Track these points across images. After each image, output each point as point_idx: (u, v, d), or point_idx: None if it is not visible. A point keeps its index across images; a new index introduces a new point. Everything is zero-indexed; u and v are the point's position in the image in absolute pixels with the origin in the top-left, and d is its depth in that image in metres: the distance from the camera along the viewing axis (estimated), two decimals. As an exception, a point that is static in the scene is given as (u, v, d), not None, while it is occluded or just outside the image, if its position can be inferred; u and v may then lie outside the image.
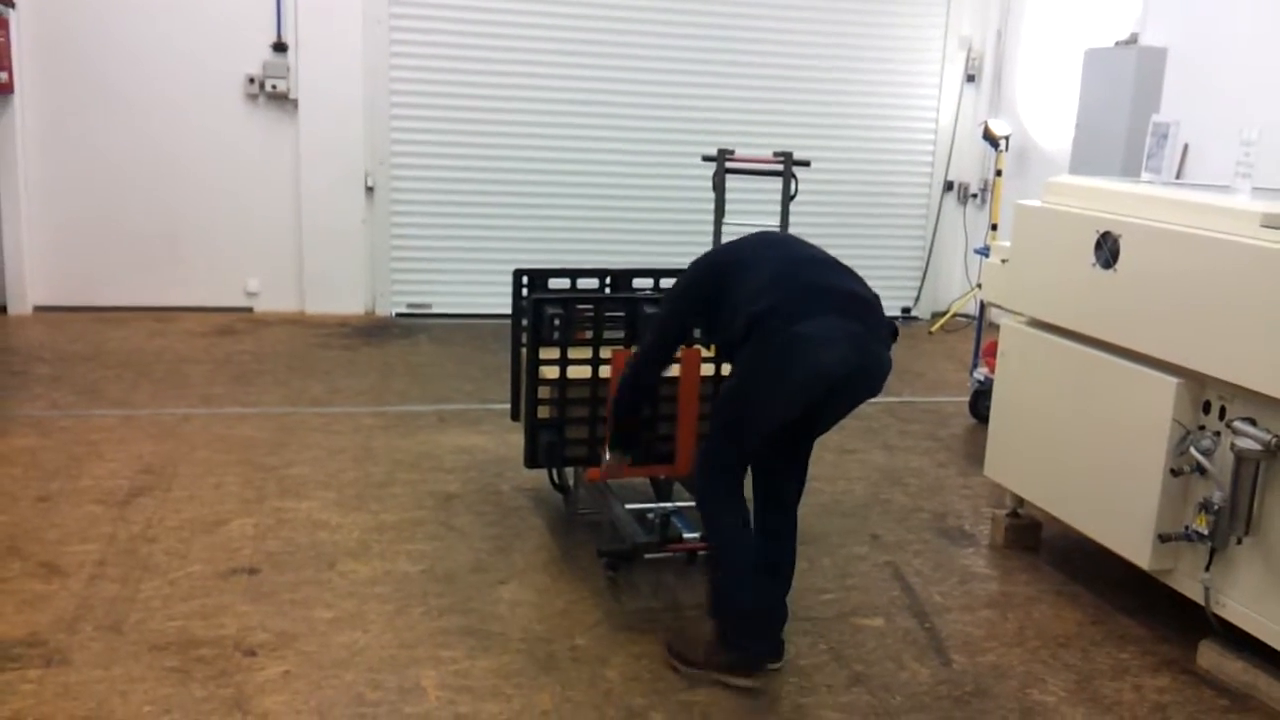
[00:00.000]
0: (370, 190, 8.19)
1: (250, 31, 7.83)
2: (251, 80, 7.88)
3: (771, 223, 6.54)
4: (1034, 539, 4.50)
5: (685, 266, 3.78)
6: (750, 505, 3.54)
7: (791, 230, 6.60)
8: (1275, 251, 3.16)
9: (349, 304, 8.30)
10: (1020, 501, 4.47)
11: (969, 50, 9.13)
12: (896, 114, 9.12)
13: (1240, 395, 3.35)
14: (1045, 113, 8.55)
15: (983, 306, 6.63)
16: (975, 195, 9.34)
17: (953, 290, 9.42)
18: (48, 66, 7.57)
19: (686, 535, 3.85)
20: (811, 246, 3.48)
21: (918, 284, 9.44)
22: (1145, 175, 4.35)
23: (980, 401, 6.06)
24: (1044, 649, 3.65)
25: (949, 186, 9.34)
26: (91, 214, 7.82)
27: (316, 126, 8.00)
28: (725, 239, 6.26)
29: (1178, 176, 6.83)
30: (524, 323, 4.26)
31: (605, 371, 3.99)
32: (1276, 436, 3.21)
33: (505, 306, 5.02)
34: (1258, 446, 3.23)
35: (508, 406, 4.92)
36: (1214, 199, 3.54)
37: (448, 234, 8.41)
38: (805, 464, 3.54)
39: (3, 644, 3.30)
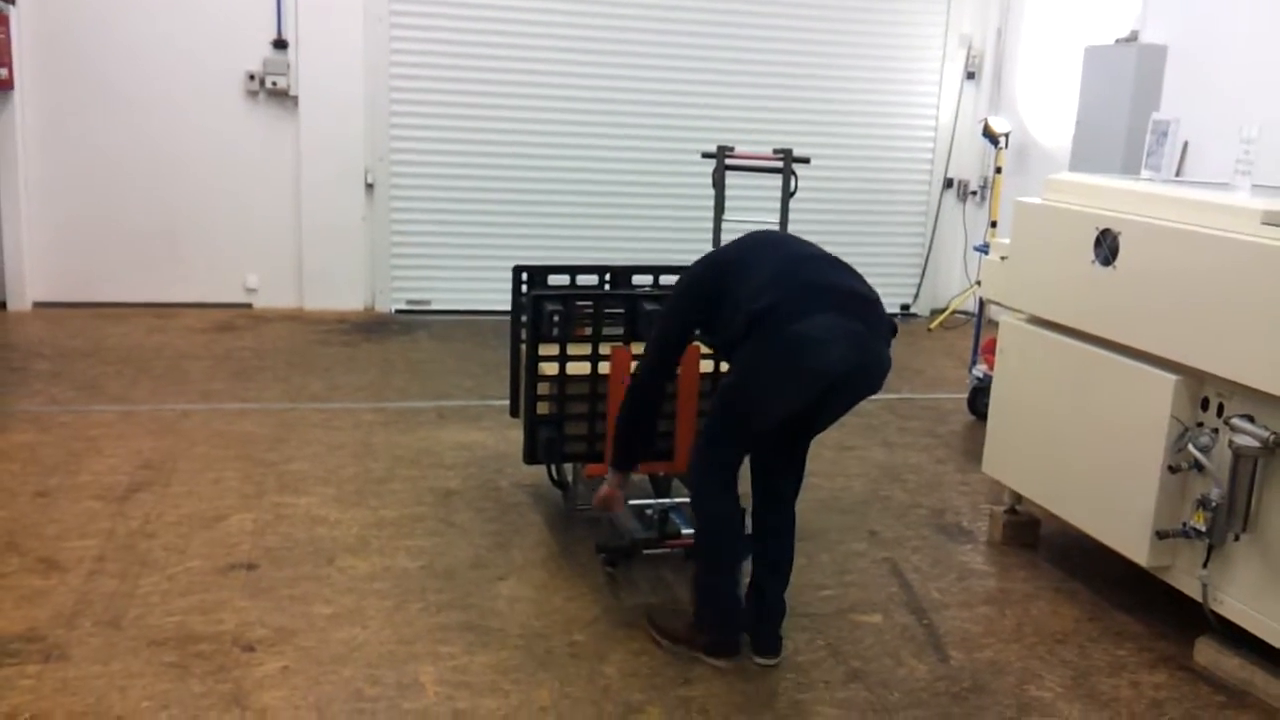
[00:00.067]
0: (370, 187, 8.19)
1: (250, 28, 7.82)
2: (252, 77, 7.88)
3: (771, 219, 6.55)
4: (1032, 536, 4.50)
5: (684, 263, 3.80)
6: (748, 502, 3.56)
7: (791, 227, 6.62)
8: (1275, 249, 3.17)
9: (349, 300, 8.30)
10: (1018, 498, 4.47)
11: (969, 47, 9.13)
12: (896, 111, 9.12)
13: (1238, 392, 3.35)
14: (1045, 110, 8.55)
15: (982, 303, 6.63)
16: (975, 192, 9.34)
17: (952, 287, 9.42)
18: (48, 63, 7.57)
19: (685, 531, 3.86)
20: (811, 245, 3.48)
21: (917, 281, 9.44)
22: (1145, 173, 4.35)
23: (979, 398, 6.06)
24: (1041, 645, 3.65)
25: (949, 184, 9.34)
26: (91, 210, 7.82)
27: (316, 123, 8.00)
28: (725, 235, 6.31)
29: (1177, 174, 6.83)
30: (523, 319, 4.27)
31: (604, 368, 4.00)
32: (1274, 434, 3.21)
33: (505, 303, 5.03)
34: (1256, 444, 3.23)
35: (507, 403, 4.93)
36: (1214, 196, 3.54)
37: (447, 230, 8.41)
38: (803, 460, 3.55)
39: (1, 639, 3.30)
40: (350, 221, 8.20)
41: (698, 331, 3.53)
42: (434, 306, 8.46)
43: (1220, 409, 3.43)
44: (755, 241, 3.46)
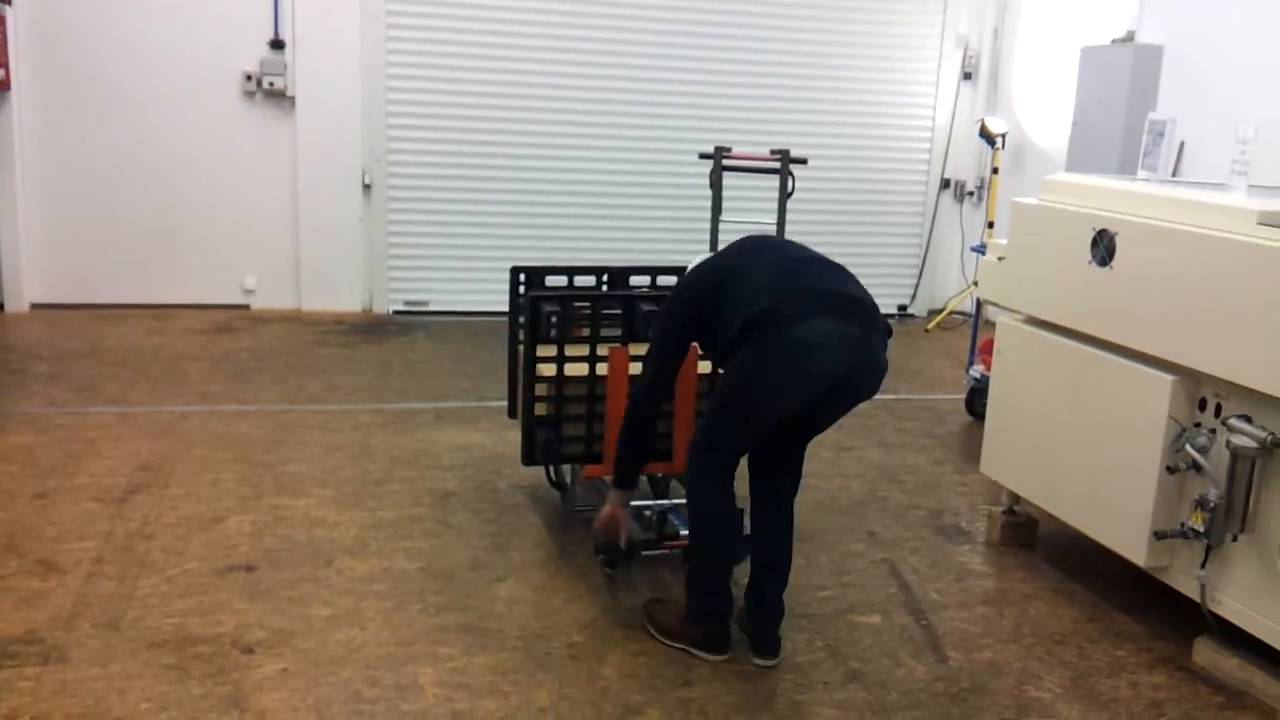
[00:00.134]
0: (367, 188, 8.19)
1: (247, 29, 7.82)
2: (249, 77, 7.87)
3: (769, 220, 6.57)
4: (1030, 536, 4.51)
5: (682, 264, 3.80)
6: (746, 502, 3.57)
7: (789, 228, 6.64)
8: (1271, 249, 3.17)
9: (346, 301, 8.30)
10: (1016, 499, 4.48)
11: (966, 48, 9.13)
12: (893, 112, 9.13)
13: (1236, 393, 3.36)
14: (1042, 110, 8.56)
15: (979, 304, 6.64)
16: (972, 193, 9.35)
17: (949, 288, 9.43)
18: (45, 63, 7.56)
19: (683, 532, 3.86)
20: (805, 248, 3.49)
21: (914, 282, 9.45)
22: (1141, 173, 4.36)
23: (976, 399, 6.07)
24: (1040, 646, 3.66)
25: (945, 184, 9.35)
26: (89, 211, 7.82)
27: (314, 124, 7.99)
28: (722, 236, 6.30)
29: (1174, 174, 6.84)
30: (521, 320, 4.27)
31: (602, 369, 4.00)
32: (1272, 434, 3.22)
33: (502, 304, 5.03)
34: (1253, 444, 3.24)
35: (505, 404, 4.92)
36: (1210, 196, 3.54)
37: (445, 231, 8.41)
38: (801, 461, 3.56)
39: (0, 641, 3.30)
40: (347, 222, 8.20)
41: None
42: (431, 307, 8.46)
43: (1218, 409, 3.44)
44: (749, 246, 3.47)
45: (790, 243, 3.59)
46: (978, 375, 6.09)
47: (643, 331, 4.06)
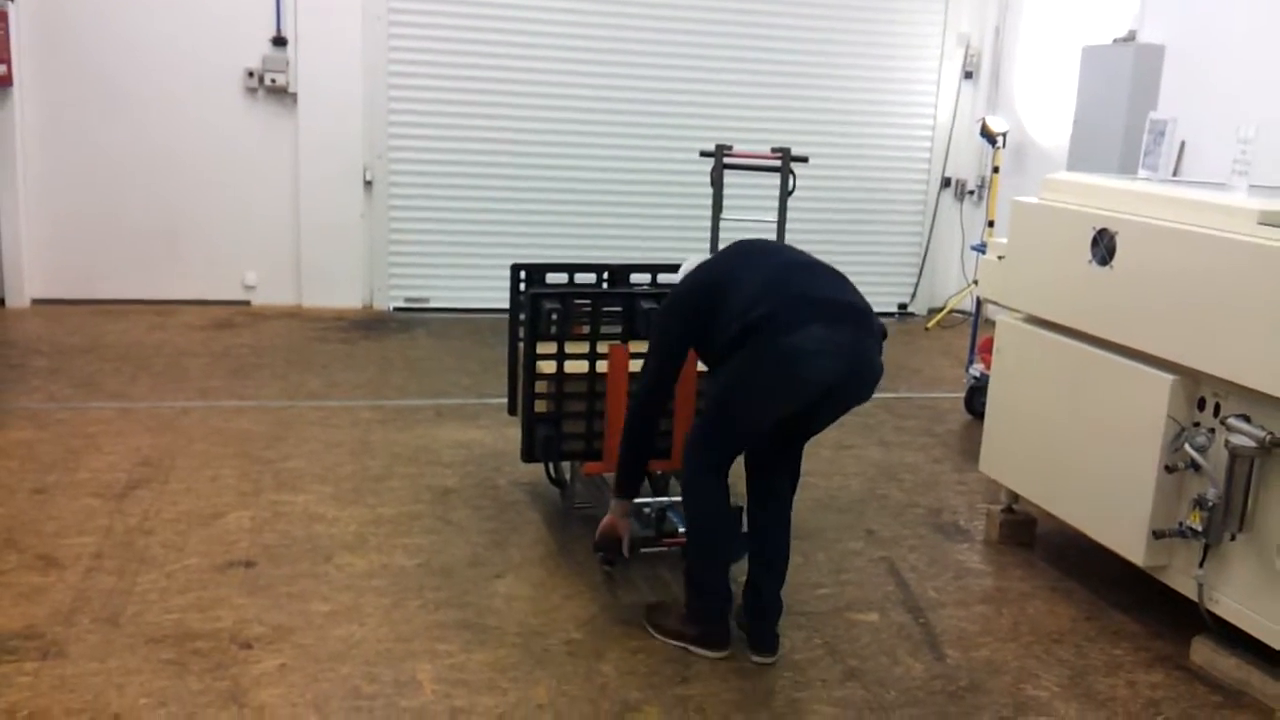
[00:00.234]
0: (368, 184, 8.19)
1: (249, 25, 7.82)
2: (250, 74, 7.87)
3: (769, 218, 6.56)
4: (1029, 535, 4.51)
5: (682, 262, 3.80)
6: (744, 500, 3.58)
7: (789, 226, 6.64)
8: (1271, 249, 3.17)
9: (347, 298, 8.30)
10: (1015, 497, 4.48)
11: (967, 47, 9.13)
12: (894, 110, 9.13)
13: (1235, 392, 3.36)
14: (1043, 110, 8.56)
15: (979, 303, 6.64)
16: (972, 192, 9.35)
17: (949, 286, 9.43)
18: (47, 59, 7.56)
19: (682, 530, 3.86)
20: (799, 251, 3.50)
21: (914, 280, 9.45)
22: (1142, 172, 4.36)
23: (976, 397, 6.07)
24: (1038, 644, 3.66)
25: (946, 183, 9.35)
26: (90, 207, 7.82)
27: (315, 121, 7.99)
28: (723, 234, 6.30)
29: (1174, 174, 6.84)
30: (521, 317, 4.27)
31: (602, 366, 4.00)
32: (1271, 434, 3.22)
33: (503, 301, 5.02)
34: (1252, 443, 3.24)
35: (505, 401, 4.93)
36: (1211, 196, 3.55)
37: (445, 228, 8.41)
38: (799, 460, 3.57)
39: (0, 636, 3.30)
40: (349, 219, 8.20)
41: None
42: (432, 304, 8.46)
43: (1217, 409, 3.44)
44: (743, 251, 3.48)
45: (785, 247, 3.60)
46: (977, 374, 6.10)
47: (643, 329, 4.06)
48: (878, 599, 3.93)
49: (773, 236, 6.34)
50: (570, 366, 4.02)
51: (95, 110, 7.70)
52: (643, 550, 3.91)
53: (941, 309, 9.18)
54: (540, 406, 4.09)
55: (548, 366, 4.04)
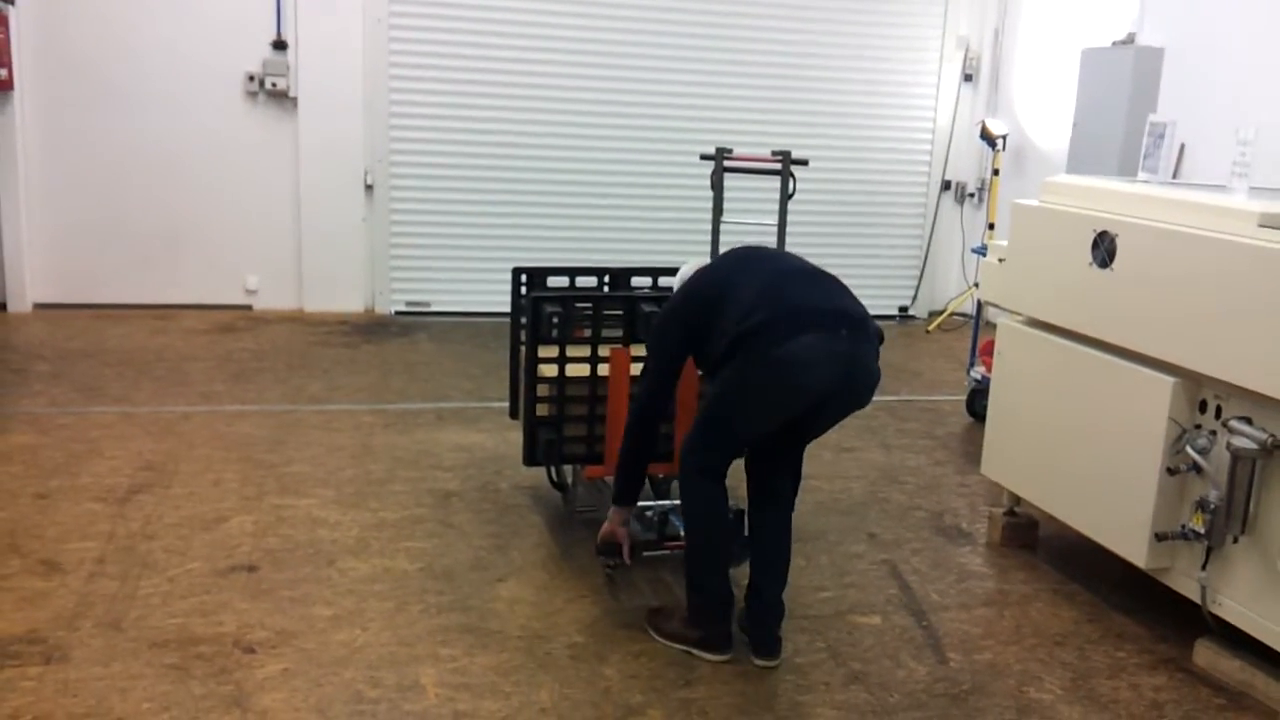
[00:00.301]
0: (369, 188, 8.20)
1: (250, 29, 7.83)
2: (251, 78, 7.88)
3: (770, 221, 6.56)
4: (1031, 537, 4.51)
5: (681, 265, 3.81)
6: (746, 504, 3.58)
7: (790, 229, 6.64)
8: (1272, 251, 3.18)
9: (348, 302, 8.31)
10: (1017, 500, 4.48)
11: (966, 50, 9.14)
12: (894, 113, 9.13)
13: (1236, 394, 3.36)
14: (1042, 112, 8.57)
15: (980, 306, 6.65)
16: (972, 194, 9.36)
17: (950, 289, 9.44)
18: (47, 63, 7.57)
19: (684, 533, 3.86)
20: (794, 257, 3.51)
21: (915, 283, 9.45)
22: (1142, 175, 4.36)
23: (977, 400, 6.07)
24: (1041, 647, 3.66)
25: (946, 186, 9.36)
26: (91, 211, 7.83)
27: (316, 124, 8.00)
28: (724, 237, 6.31)
29: (1174, 176, 6.84)
30: (523, 321, 4.27)
31: (604, 370, 4.01)
32: (1272, 435, 3.22)
33: (504, 305, 5.04)
34: (1254, 445, 3.24)
35: (506, 404, 4.93)
36: (1211, 198, 3.55)
37: (447, 232, 8.42)
38: (799, 463, 3.58)
39: (2, 641, 3.30)
40: (350, 223, 8.20)
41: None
42: (433, 308, 8.47)
43: (1218, 411, 3.44)
44: (738, 260, 3.50)
45: (781, 253, 3.61)
46: (978, 377, 6.10)
47: (644, 332, 4.07)
48: (880, 602, 3.93)
49: (773, 240, 6.34)
50: (571, 370, 4.02)
51: (96, 114, 7.71)
52: (645, 554, 3.91)
53: (942, 312, 9.19)
54: (542, 410, 4.09)
55: (549, 370, 4.04)
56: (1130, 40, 7.39)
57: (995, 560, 4.38)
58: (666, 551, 3.95)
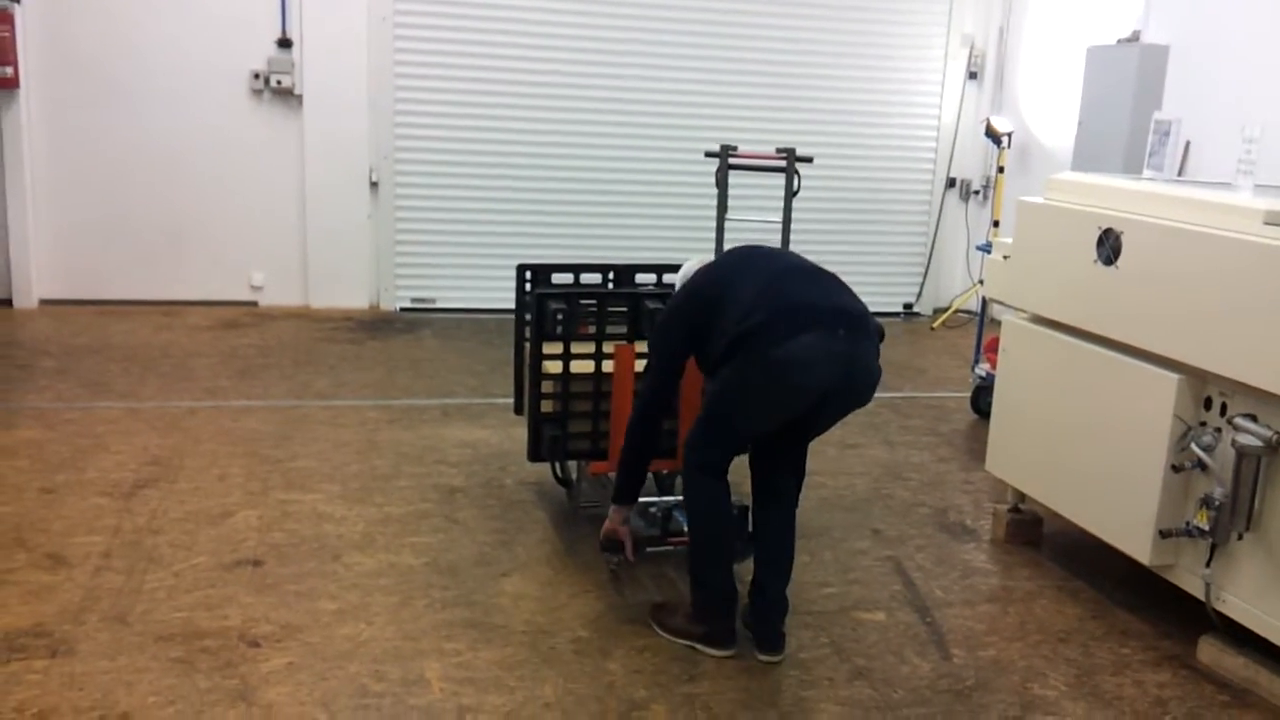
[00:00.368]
0: (374, 185, 8.21)
1: (255, 27, 7.84)
2: (256, 75, 7.89)
3: (774, 219, 6.56)
4: (1035, 534, 4.51)
5: (686, 261, 3.82)
6: (750, 500, 3.59)
7: (794, 227, 6.63)
8: (1277, 248, 3.17)
9: (353, 298, 8.32)
10: (1021, 497, 4.48)
11: (971, 47, 9.13)
12: (899, 111, 9.13)
13: (1241, 391, 3.36)
14: (1047, 110, 8.56)
15: (984, 303, 6.64)
16: (977, 192, 9.35)
17: (955, 286, 9.43)
18: (53, 61, 7.58)
19: (687, 529, 3.87)
20: (794, 256, 3.51)
21: (920, 280, 9.45)
22: (1147, 172, 4.37)
23: (982, 397, 6.07)
24: (1045, 644, 3.66)
25: (951, 183, 9.35)
26: (97, 208, 7.84)
27: (321, 122, 8.01)
28: (728, 235, 6.31)
29: (1179, 173, 6.84)
30: (527, 317, 4.28)
31: (608, 366, 4.01)
32: (1277, 433, 3.22)
33: (509, 301, 5.03)
34: (1259, 443, 3.24)
35: (511, 401, 4.94)
36: (1216, 196, 3.55)
37: (451, 229, 8.43)
38: (803, 459, 3.59)
39: (9, 635, 3.32)
40: (355, 220, 8.21)
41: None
42: (438, 305, 8.48)
43: (1223, 408, 3.44)
44: (740, 258, 3.51)
45: (782, 252, 3.61)
46: (983, 374, 6.10)
47: (648, 329, 4.07)
48: (884, 598, 3.94)
49: (778, 237, 6.34)
50: (576, 366, 4.03)
51: (102, 112, 7.73)
52: (649, 550, 3.92)
53: (947, 309, 9.18)
54: (546, 406, 4.10)
55: (554, 366, 4.05)
56: (1135, 38, 7.38)
57: (999, 557, 4.38)
58: (670, 547, 3.96)
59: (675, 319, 3.48)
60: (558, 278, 4.61)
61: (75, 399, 5.69)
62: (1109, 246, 3.80)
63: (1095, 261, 3.86)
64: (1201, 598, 3.53)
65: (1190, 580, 3.60)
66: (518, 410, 4.66)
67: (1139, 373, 3.67)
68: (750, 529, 3.63)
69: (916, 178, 9.32)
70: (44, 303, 7.82)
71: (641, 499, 4.07)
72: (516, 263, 4.69)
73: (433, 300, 8.48)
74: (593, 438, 4.11)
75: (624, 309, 4.16)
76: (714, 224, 6.66)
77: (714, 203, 6.69)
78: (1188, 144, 6.83)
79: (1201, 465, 3.45)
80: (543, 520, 4.44)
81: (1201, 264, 3.43)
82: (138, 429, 5.25)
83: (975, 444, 5.70)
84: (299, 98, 7.97)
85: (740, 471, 3.61)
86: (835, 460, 5.37)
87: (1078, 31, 8.12)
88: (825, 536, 4.45)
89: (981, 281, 6.84)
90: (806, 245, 8.04)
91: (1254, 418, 3.29)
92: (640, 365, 3.81)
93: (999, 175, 8.36)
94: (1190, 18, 7.06)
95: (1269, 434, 3.23)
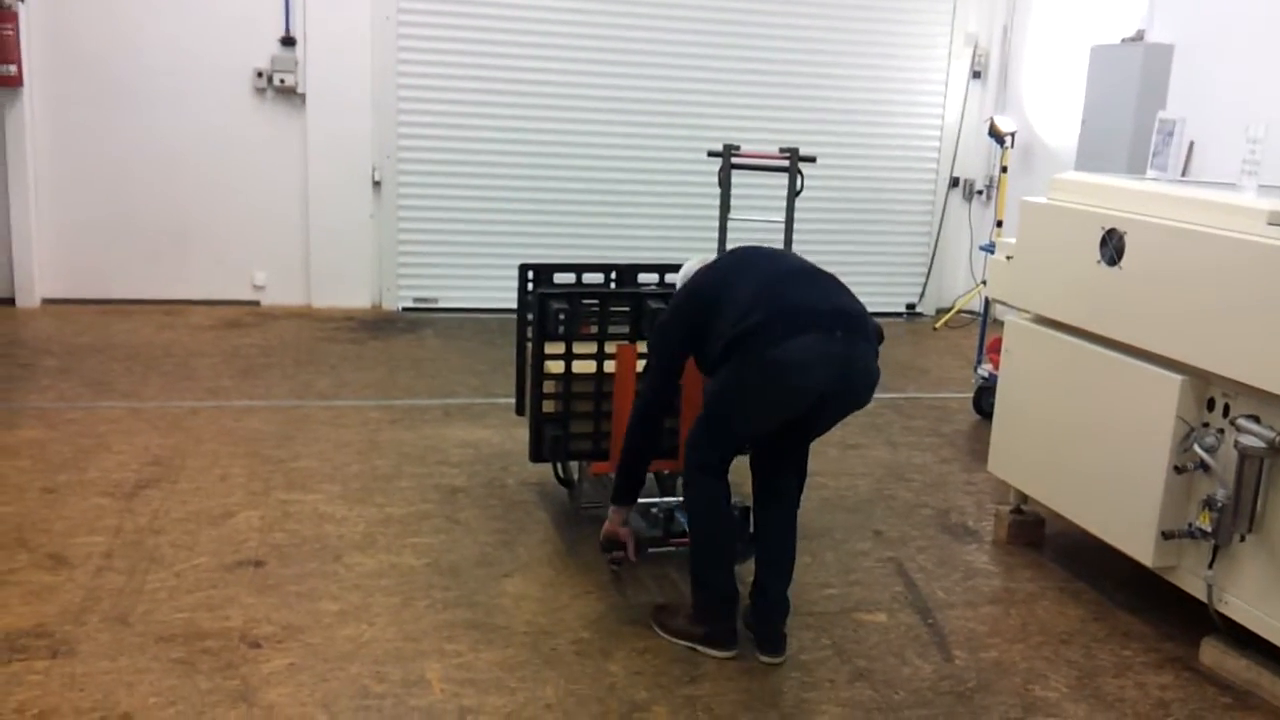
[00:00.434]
0: (377, 185, 8.21)
1: (258, 26, 7.84)
2: (259, 74, 7.90)
3: (777, 218, 6.55)
4: (1037, 535, 4.50)
5: (688, 261, 3.81)
6: (750, 501, 3.59)
7: (797, 226, 6.63)
8: (1280, 249, 3.17)
9: (356, 298, 8.32)
10: (1024, 498, 4.47)
11: (975, 47, 9.12)
12: (902, 110, 9.12)
13: (1244, 393, 3.35)
14: (1051, 109, 8.54)
15: (987, 303, 6.63)
16: (980, 192, 9.34)
17: (957, 286, 9.41)
18: (56, 60, 7.59)
19: (688, 529, 3.86)
20: (793, 257, 3.51)
21: (923, 280, 9.44)
22: (1151, 172, 4.36)
23: (984, 398, 6.06)
24: (1047, 645, 3.65)
25: (954, 183, 9.34)
26: (100, 207, 7.85)
27: (324, 121, 8.01)
28: (731, 234, 6.30)
29: (1183, 174, 6.82)
30: (529, 317, 4.27)
31: (610, 366, 4.01)
32: (1280, 434, 3.22)
33: (511, 301, 5.03)
34: (1261, 444, 3.23)
35: (513, 401, 4.93)
36: (1220, 196, 3.54)
37: (454, 229, 8.43)
38: (804, 460, 3.59)
39: (10, 635, 3.32)
40: (358, 219, 8.21)
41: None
42: (440, 304, 8.47)
43: (1226, 409, 3.43)
44: (738, 260, 3.52)
45: (782, 253, 3.61)
46: (985, 374, 6.09)
47: (650, 329, 4.07)
48: (886, 599, 3.93)
49: (781, 237, 6.34)
50: (578, 366, 4.02)
51: (105, 111, 7.73)
52: (650, 550, 3.92)
53: (950, 309, 9.17)
54: (548, 406, 4.10)
55: (556, 366, 4.05)
56: (1139, 37, 7.37)
57: (1001, 558, 4.37)
58: (672, 548, 3.96)
59: (674, 319, 3.49)
60: (560, 277, 4.61)
61: (77, 398, 5.69)
62: (1112, 247, 3.79)
63: (1099, 262, 3.85)
64: (1204, 599, 3.52)
65: (1193, 582, 3.59)
66: (519, 410, 4.66)
67: (1142, 373, 3.66)
68: (752, 530, 3.63)
69: (920, 177, 9.31)
70: (46, 302, 7.83)
71: (643, 499, 4.07)
72: (519, 262, 4.69)
73: (435, 300, 8.48)
74: (595, 438, 4.11)
75: (626, 309, 4.16)
76: (717, 224, 6.66)
77: (717, 202, 6.69)
78: (1191, 144, 6.82)
79: (1204, 466, 3.45)
80: (544, 521, 4.43)
81: (1205, 264, 3.42)
82: (139, 429, 5.25)
83: (977, 445, 5.69)
84: (302, 96, 7.97)
85: (742, 472, 3.61)
86: (837, 461, 5.37)
87: (1082, 31, 8.11)
88: (827, 537, 4.44)
89: (984, 282, 6.83)
90: (809, 245, 8.04)
91: (1257, 419, 3.28)
92: (642, 365, 3.81)
93: (1002, 175, 8.34)
94: (1195, 17, 7.05)
95: (1272, 435, 3.22)
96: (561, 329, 4.05)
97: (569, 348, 4.01)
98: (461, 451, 5.20)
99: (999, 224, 8.22)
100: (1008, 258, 4.44)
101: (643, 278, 4.72)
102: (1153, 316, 3.62)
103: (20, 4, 7.30)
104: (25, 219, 7.61)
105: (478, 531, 4.29)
